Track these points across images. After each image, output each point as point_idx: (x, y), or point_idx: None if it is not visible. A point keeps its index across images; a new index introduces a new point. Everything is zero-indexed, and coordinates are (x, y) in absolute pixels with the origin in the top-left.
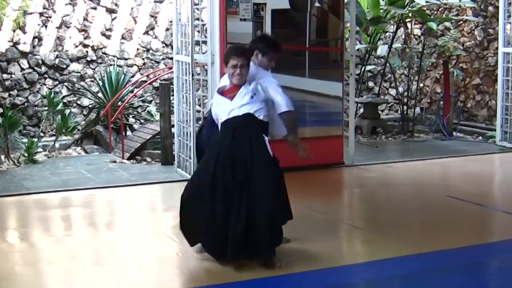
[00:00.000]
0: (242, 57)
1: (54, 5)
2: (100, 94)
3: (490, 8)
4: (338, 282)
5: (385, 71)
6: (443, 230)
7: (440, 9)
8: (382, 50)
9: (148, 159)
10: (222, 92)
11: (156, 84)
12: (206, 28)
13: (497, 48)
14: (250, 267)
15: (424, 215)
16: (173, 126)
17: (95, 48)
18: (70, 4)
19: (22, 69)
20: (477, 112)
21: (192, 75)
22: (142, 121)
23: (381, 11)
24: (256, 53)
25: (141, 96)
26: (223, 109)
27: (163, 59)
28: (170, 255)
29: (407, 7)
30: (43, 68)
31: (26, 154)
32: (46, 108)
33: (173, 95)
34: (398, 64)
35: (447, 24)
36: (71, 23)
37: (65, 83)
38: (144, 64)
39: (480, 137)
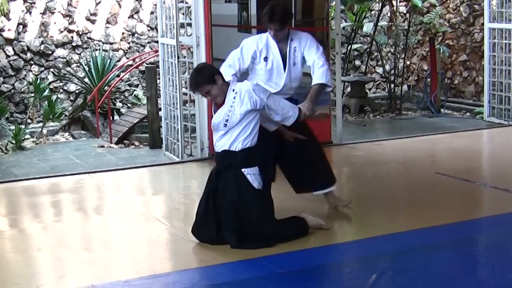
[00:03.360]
0: (199, 87)
1: None
2: (86, 79)
3: None
4: (328, 260)
5: (372, 50)
6: (433, 207)
7: None
8: (368, 27)
9: (136, 143)
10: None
11: (142, 68)
12: (190, 10)
13: (483, 24)
14: (238, 250)
15: (413, 192)
16: (160, 109)
17: (80, 33)
18: None
19: (8, 56)
20: (464, 88)
21: (178, 57)
22: (129, 105)
23: None
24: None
25: (127, 80)
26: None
27: (148, 42)
28: (160, 239)
29: None
30: (29, 55)
31: (13, 141)
32: (32, 95)
33: (159, 79)
34: (384, 40)
35: (432, 0)
36: (55, 8)
37: (51, 69)
38: (129, 48)
39: (468, 113)
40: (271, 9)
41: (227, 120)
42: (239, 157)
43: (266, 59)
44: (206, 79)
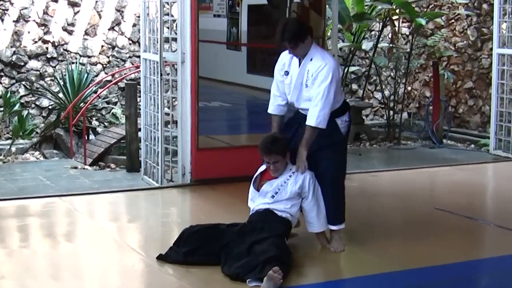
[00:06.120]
0: (271, 155)
1: None
2: (61, 95)
3: (484, 6)
4: None
5: (370, 73)
6: (430, 245)
7: (430, 7)
8: (367, 46)
9: (112, 165)
10: (262, 173)
11: (121, 84)
12: (176, 24)
13: (491, 49)
14: (217, 281)
15: (410, 228)
16: (139, 130)
17: (56, 44)
18: None
19: None
20: (469, 118)
21: (161, 74)
22: (106, 124)
23: (366, 7)
24: None
25: (105, 97)
26: (252, 197)
27: (129, 57)
28: (134, 269)
29: (393, 3)
30: None
31: None
32: (1, 109)
33: (140, 96)
34: (384, 63)
35: (438, 20)
36: (29, 16)
37: (23, 82)
38: (109, 62)
39: (472, 145)
40: (282, 27)
41: (276, 193)
42: (278, 221)
43: (286, 73)
44: (281, 151)
